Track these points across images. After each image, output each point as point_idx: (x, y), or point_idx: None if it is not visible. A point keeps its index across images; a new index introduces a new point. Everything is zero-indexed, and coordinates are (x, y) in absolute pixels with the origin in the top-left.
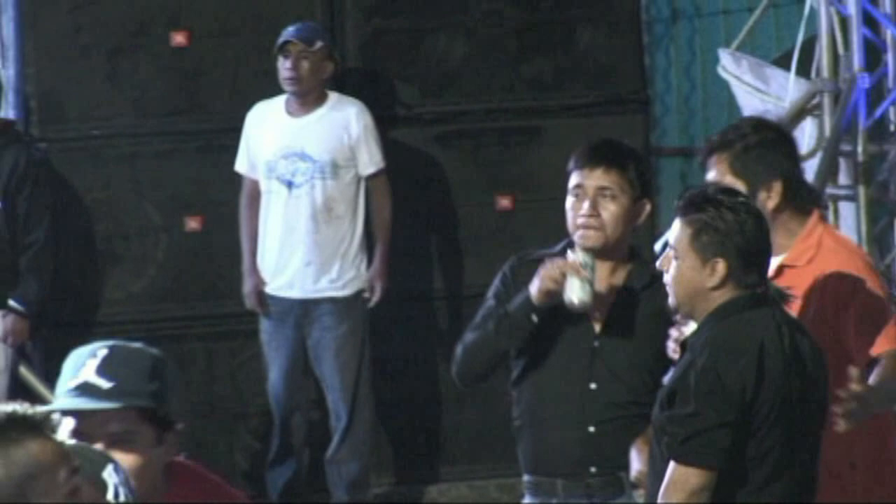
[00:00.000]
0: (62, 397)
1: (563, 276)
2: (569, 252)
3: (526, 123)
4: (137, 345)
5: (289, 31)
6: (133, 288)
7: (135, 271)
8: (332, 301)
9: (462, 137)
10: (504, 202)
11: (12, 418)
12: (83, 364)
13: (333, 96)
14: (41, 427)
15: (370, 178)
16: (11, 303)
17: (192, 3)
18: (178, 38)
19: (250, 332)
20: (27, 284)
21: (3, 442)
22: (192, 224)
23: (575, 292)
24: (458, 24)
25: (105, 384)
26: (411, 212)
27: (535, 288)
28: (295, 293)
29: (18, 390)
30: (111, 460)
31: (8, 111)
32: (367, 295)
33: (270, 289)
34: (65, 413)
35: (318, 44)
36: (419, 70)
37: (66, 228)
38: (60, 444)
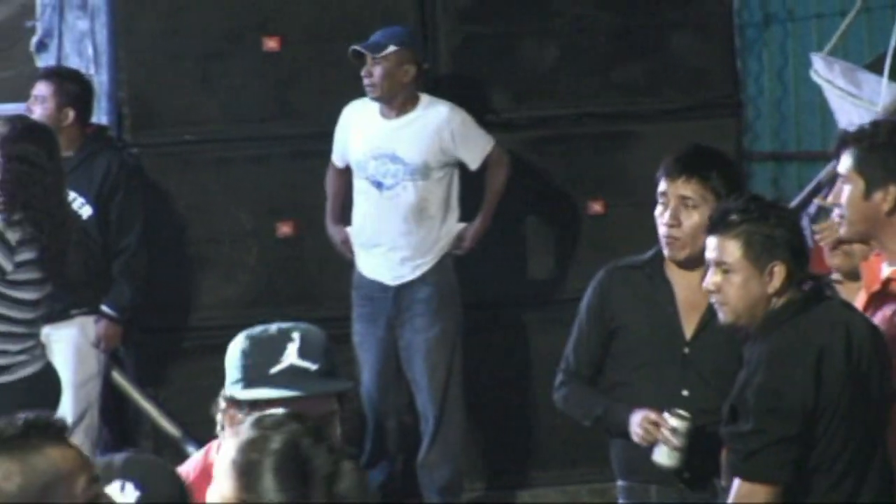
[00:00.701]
0: (266, 384)
1: (654, 439)
2: (665, 414)
3: (618, 128)
4: (308, 325)
5: (369, 40)
6: (225, 293)
7: (227, 276)
8: (426, 303)
9: (553, 142)
10: (596, 207)
11: (33, 425)
12: (283, 348)
13: (425, 99)
14: (62, 434)
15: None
16: (104, 308)
17: (284, 9)
18: (270, 44)
19: (342, 337)
20: (119, 290)
21: (24, 449)
22: (284, 229)
23: (663, 457)
24: (550, 29)
25: (311, 366)
26: (503, 216)
27: (630, 428)
28: (388, 280)
29: (111, 395)
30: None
31: (100, 117)
32: (456, 251)
33: (363, 273)
34: (276, 401)
35: (390, 49)
36: (511, 75)
37: (158, 234)
38: (80, 452)
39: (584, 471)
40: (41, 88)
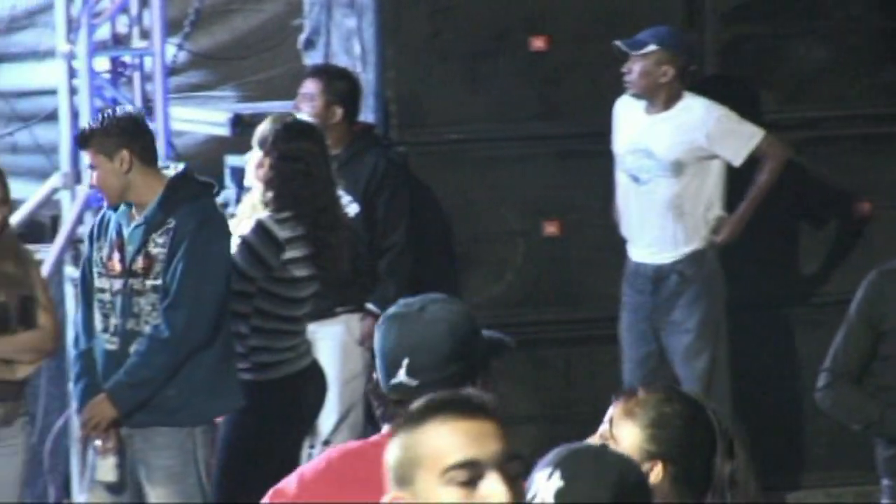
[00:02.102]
0: None
1: None
2: None
3: (885, 130)
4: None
5: (633, 38)
6: (491, 292)
7: (493, 276)
8: (685, 293)
9: (820, 144)
10: (862, 208)
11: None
12: None
13: (687, 97)
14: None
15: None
16: (369, 306)
17: (552, 9)
18: (538, 43)
19: (607, 338)
20: (385, 288)
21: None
22: (550, 229)
23: None
24: (818, 30)
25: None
26: (769, 216)
27: None
28: (649, 270)
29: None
30: None
31: (367, 115)
32: (714, 240)
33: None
34: None
35: (650, 48)
36: (778, 76)
37: (424, 232)
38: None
39: (848, 473)
40: (309, 86)
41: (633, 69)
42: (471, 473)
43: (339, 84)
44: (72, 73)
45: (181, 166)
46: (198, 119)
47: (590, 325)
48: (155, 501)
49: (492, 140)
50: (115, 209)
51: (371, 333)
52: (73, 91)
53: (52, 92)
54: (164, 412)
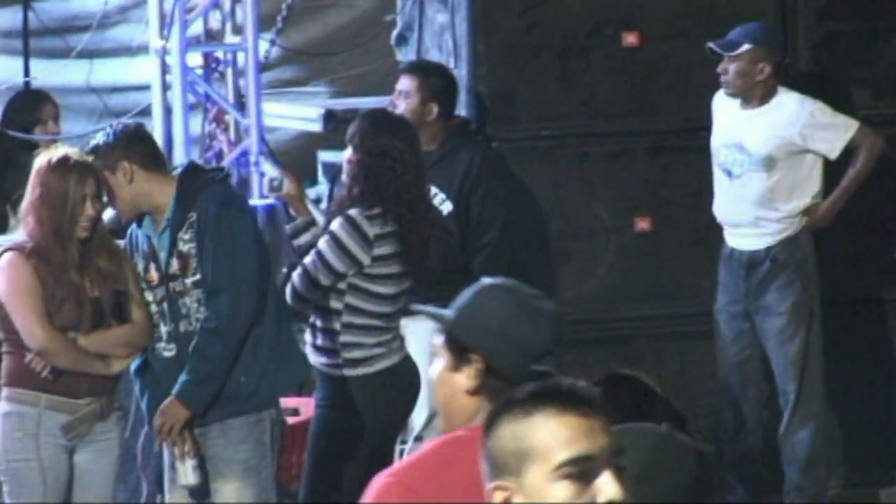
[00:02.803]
0: None
1: None
2: None
3: None
4: None
5: (725, 38)
6: (583, 288)
7: (585, 271)
8: (777, 278)
9: None
10: None
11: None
12: None
13: (781, 93)
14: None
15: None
16: None
17: (645, 5)
18: (630, 39)
19: (700, 334)
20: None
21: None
22: (642, 224)
23: None
24: None
25: None
26: (861, 211)
27: None
28: (743, 257)
29: None
30: None
31: (459, 111)
32: (807, 225)
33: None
34: None
35: (744, 47)
36: (871, 72)
37: (516, 228)
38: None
39: None
40: (405, 83)
41: (729, 69)
42: (584, 469)
43: (435, 81)
44: (165, 69)
45: (184, 163)
46: (290, 115)
47: (681, 321)
48: (228, 496)
49: (584, 136)
50: (140, 224)
51: None
52: (165, 87)
53: (145, 88)
54: (238, 401)
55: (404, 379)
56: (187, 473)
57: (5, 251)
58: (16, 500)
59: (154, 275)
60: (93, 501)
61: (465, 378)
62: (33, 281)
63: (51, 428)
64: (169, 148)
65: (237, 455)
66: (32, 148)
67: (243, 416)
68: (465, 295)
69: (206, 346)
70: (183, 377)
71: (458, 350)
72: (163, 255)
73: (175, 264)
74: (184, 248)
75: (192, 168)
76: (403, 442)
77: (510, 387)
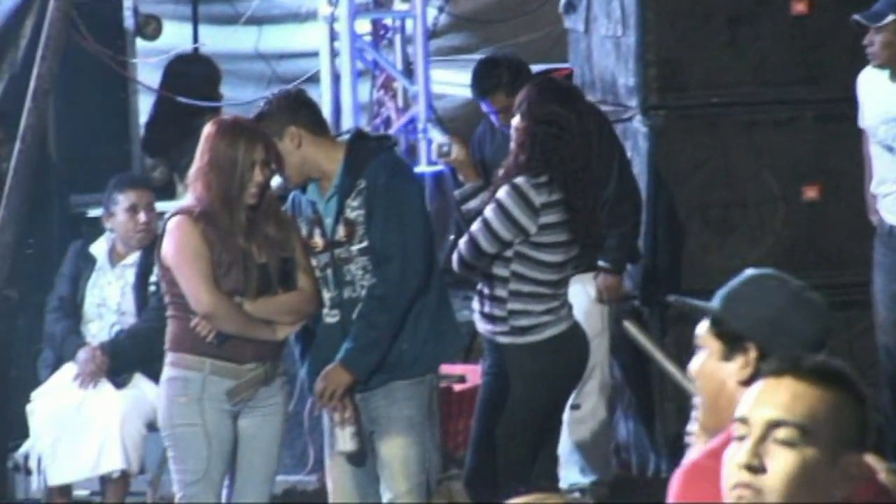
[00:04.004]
0: None
1: None
2: None
3: None
4: None
5: (871, 9)
6: (749, 257)
7: (752, 240)
8: None
9: None
10: None
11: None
12: None
13: None
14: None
15: None
16: (600, 262)
17: None
18: (799, 7)
19: (867, 303)
20: (609, 239)
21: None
22: (810, 193)
23: None
24: None
25: None
26: None
27: None
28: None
29: (634, 356)
30: None
31: (628, 78)
32: None
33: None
34: None
35: (889, 18)
36: None
37: (684, 197)
38: None
39: None
40: None
41: (875, 41)
42: (742, 431)
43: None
44: (333, 36)
45: (351, 131)
46: (458, 82)
47: (849, 291)
48: (393, 452)
49: (752, 104)
50: (304, 190)
51: (608, 288)
52: (334, 54)
53: (313, 55)
54: (401, 367)
55: (573, 346)
56: (346, 440)
57: (173, 215)
58: (180, 466)
59: (318, 241)
60: (257, 467)
61: (737, 368)
62: (201, 245)
63: (215, 393)
64: (337, 115)
65: (402, 412)
66: (199, 114)
67: (405, 380)
68: (732, 285)
69: (372, 314)
70: (348, 344)
71: (731, 339)
72: (328, 222)
73: (341, 231)
74: (351, 215)
75: (359, 135)
76: (573, 407)
77: None
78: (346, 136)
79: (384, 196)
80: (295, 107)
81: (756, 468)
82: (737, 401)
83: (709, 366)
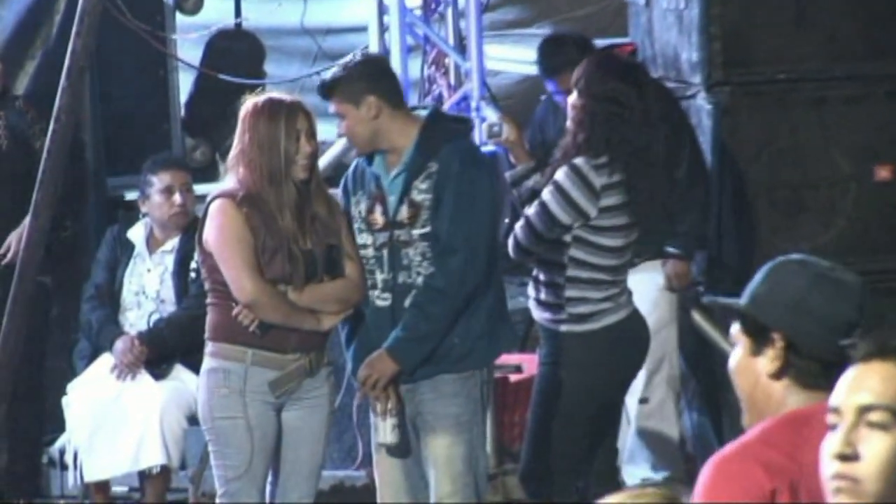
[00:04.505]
0: None
1: None
2: None
3: None
4: None
5: None
6: (819, 239)
7: (822, 222)
8: None
9: None
10: None
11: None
12: None
13: None
14: None
15: None
16: (668, 249)
17: None
18: None
19: None
20: (679, 225)
21: None
22: (882, 173)
23: None
24: None
25: None
26: None
27: None
28: None
29: (698, 346)
30: None
31: (691, 53)
32: None
33: None
34: None
35: None
36: None
37: (750, 176)
38: None
39: None
40: None
41: None
42: (834, 420)
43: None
44: (382, 10)
45: (429, 107)
46: (513, 58)
47: None
48: (439, 451)
49: (821, 80)
50: (370, 161)
51: (677, 275)
52: (383, 28)
53: (361, 29)
54: (450, 361)
55: (632, 335)
56: (387, 432)
57: (215, 198)
58: (222, 461)
59: (378, 218)
60: (302, 462)
61: (767, 361)
62: (244, 230)
63: (258, 384)
64: None
65: (448, 409)
66: (242, 93)
67: (453, 374)
68: (757, 276)
69: (428, 305)
70: (398, 332)
71: (757, 332)
72: (391, 200)
73: (404, 212)
74: (417, 197)
75: (437, 115)
76: (642, 401)
77: (820, 366)
78: (424, 112)
79: (456, 184)
80: (377, 74)
81: (849, 456)
82: (771, 395)
83: (742, 362)
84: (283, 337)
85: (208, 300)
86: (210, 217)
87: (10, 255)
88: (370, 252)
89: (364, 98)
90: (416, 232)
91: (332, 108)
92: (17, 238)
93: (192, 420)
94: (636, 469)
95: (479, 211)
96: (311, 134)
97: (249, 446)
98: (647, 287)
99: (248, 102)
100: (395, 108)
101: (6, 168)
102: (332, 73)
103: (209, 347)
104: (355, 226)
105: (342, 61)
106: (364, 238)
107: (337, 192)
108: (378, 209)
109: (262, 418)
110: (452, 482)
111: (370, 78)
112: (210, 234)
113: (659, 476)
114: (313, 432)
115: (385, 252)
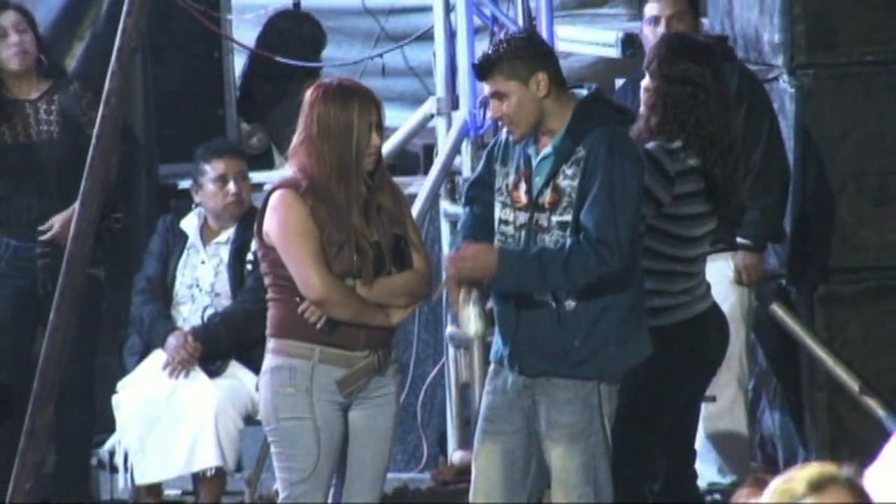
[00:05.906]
0: None
1: None
2: None
3: None
4: None
5: None
6: None
7: None
8: None
9: None
10: None
11: None
12: None
13: None
14: None
15: None
16: (739, 240)
17: None
18: None
19: None
20: (750, 216)
21: None
22: None
23: None
24: None
25: None
26: None
27: None
28: None
29: (780, 342)
30: None
31: (773, 34)
32: None
33: None
34: None
35: None
36: None
37: (833, 164)
38: None
39: None
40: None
41: None
42: None
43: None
44: None
45: (591, 88)
46: (585, 39)
47: None
48: (554, 461)
49: None
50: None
51: (748, 267)
52: (449, 8)
53: (426, 9)
54: (567, 363)
55: (711, 330)
56: (470, 321)
57: (276, 188)
58: (286, 463)
59: (522, 197)
60: (368, 463)
61: None
62: (309, 223)
63: (325, 383)
64: (453, 76)
65: (561, 418)
66: (296, 77)
67: (571, 379)
68: None
69: (567, 255)
70: (526, 250)
71: None
72: (537, 181)
73: (547, 195)
74: (562, 182)
75: (595, 97)
76: (708, 400)
77: None
78: (581, 93)
79: (603, 174)
80: (545, 50)
81: None
82: None
83: None
84: (351, 333)
85: (270, 295)
86: (271, 209)
87: (49, 234)
88: (510, 230)
89: (534, 75)
90: (556, 219)
91: (487, 89)
92: (60, 220)
93: (249, 420)
94: (703, 470)
95: (625, 204)
96: (380, 125)
97: (316, 448)
98: (716, 279)
99: (315, 87)
100: (560, 88)
101: (57, 157)
102: (493, 50)
103: (272, 344)
104: (500, 198)
105: (495, 40)
106: (507, 214)
107: (405, 181)
108: (522, 187)
109: (330, 418)
110: (566, 495)
111: (538, 54)
112: (272, 227)
113: (726, 480)
114: (381, 432)
115: (522, 234)
